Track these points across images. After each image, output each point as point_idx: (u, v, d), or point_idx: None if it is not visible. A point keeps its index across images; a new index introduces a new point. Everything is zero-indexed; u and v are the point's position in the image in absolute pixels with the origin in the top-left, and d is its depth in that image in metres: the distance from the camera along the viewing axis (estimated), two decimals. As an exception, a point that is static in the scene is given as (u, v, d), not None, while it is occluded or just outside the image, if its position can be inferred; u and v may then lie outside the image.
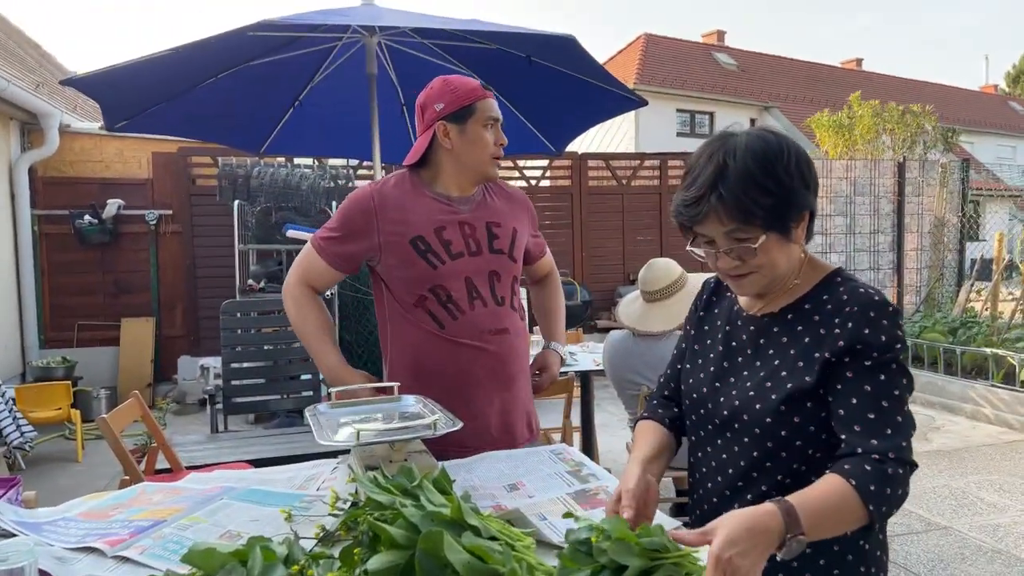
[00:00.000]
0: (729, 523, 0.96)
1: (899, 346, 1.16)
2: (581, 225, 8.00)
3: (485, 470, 1.49)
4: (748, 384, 1.25)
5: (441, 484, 1.09)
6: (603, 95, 3.57)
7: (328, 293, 6.07)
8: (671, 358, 1.50)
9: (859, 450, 1.10)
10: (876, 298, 1.18)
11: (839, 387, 1.16)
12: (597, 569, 0.93)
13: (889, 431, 1.10)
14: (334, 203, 6.44)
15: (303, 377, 4.44)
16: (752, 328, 1.29)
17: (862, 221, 8.31)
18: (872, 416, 1.12)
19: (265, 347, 4.47)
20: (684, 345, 1.46)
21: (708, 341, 1.37)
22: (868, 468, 1.07)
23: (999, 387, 5.46)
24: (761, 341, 1.27)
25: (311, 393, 4.31)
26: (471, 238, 1.86)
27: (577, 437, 3.79)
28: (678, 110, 20.81)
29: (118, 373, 6.91)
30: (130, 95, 3.27)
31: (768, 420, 1.20)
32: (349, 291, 6.24)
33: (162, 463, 3.01)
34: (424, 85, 1.89)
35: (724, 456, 1.27)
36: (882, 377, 1.14)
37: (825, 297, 1.22)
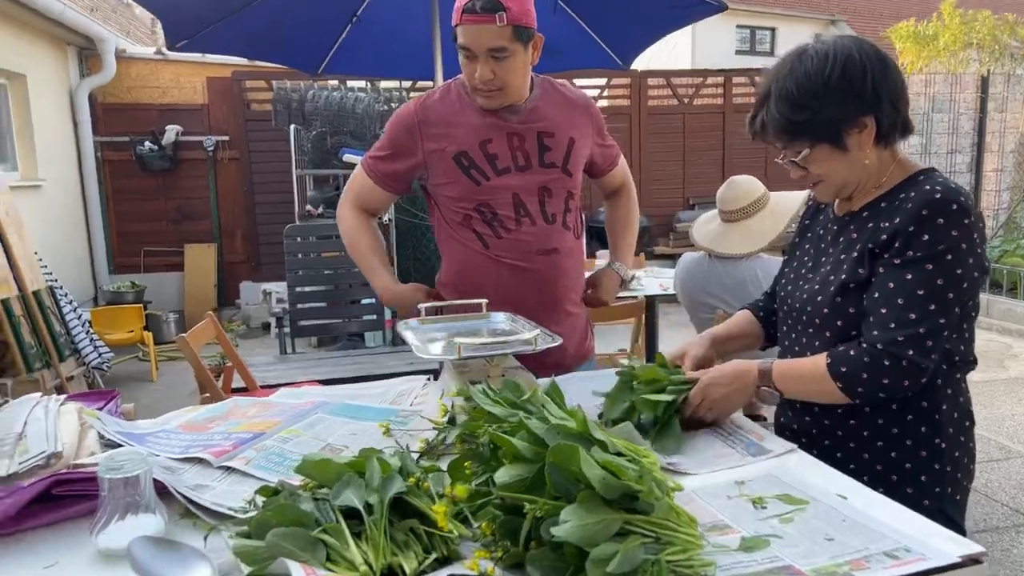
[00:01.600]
0: (718, 367, 1.28)
1: (944, 247, 1.14)
2: (640, 147, 7.73)
3: (576, 389, 1.44)
4: (818, 278, 1.31)
5: (553, 398, 1.04)
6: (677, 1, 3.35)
7: (386, 218, 6.05)
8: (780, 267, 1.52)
9: (861, 340, 1.19)
10: (938, 196, 1.16)
11: (872, 280, 1.21)
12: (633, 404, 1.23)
13: (892, 325, 1.15)
14: (389, 126, 6.35)
15: (363, 301, 4.47)
16: (835, 228, 1.34)
17: (939, 140, 7.84)
18: (884, 311, 1.17)
19: (326, 272, 4.49)
20: (787, 255, 1.50)
21: (806, 246, 1.43)
22: (851, 353, 1.18)
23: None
24: (840, 238, 1.31)
25: (375, 317, 4.34)
26: (519, 150, 1.75)
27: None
28: (737, 26, 19.76)
29: (183, 297, 7.10)
30: (190, 12, 3.19)
31: (826, 311, 1.26)
32: (405, 216, 6.21)
33: (236, 382, 3.08)
34: None
35: (797, 348, 1.36)
36: (908, 276, 1.15)
37: (902, 195, 1.23)
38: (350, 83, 6.78)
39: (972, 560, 0.84)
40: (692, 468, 1.14)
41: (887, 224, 1.20)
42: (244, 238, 7.31)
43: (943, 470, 1.24)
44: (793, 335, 1.37)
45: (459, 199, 1.75)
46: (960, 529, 1.20)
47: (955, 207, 1.15)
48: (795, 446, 1.19)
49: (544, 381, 1.18)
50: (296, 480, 0.98)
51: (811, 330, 1.31)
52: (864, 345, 1.18)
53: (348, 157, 5.82)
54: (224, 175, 7.20)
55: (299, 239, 4.49)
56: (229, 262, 7.32)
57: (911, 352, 1.14)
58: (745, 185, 2.84)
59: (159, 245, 7.14)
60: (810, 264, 1.37)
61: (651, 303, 3.72)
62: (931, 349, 1.14)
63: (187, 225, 7.19)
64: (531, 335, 1.17)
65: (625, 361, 1.37)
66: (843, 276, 1.24)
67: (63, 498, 1.01)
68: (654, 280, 3.81)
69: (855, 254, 1.24)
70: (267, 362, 3.60)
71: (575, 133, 1.81)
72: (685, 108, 7.86)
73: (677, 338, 5.74)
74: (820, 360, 1.21)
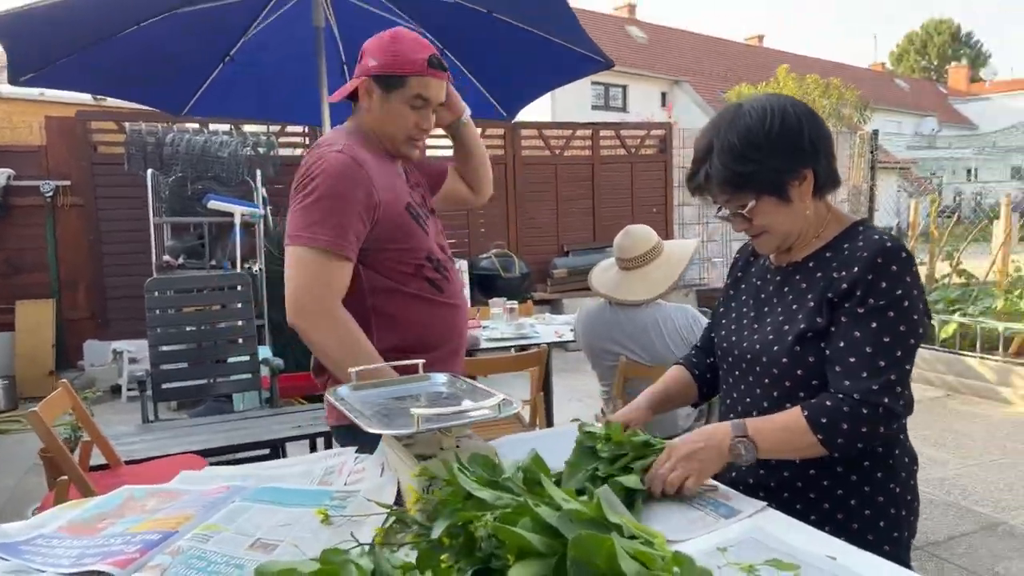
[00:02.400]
0: (695, 431, 1.23)
1: (900, 292, 1.17)
2: (516, 195, 7.86)
3: (522, 453, 1.34)
4: (769, 327, 1.32)
5: (534, 473, 0.94)
6: (566, 55, 3.42)
7: (255, 268, 5.70)
8: (711, 320, 1.54)
9: (832, 390, 1.19)
10: (888, 244, 1.20)
11: (833, 329, 1.22)
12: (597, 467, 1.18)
13: (864, 374, 1.16)
14: (258, 172, 6.03)
15: (231, 360, 4.13)
16: (778, 278, 1.36)
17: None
18: (852, 360, 1.18)
19: (188, 328, 4.12)
20: (721, 307, 1.51)
21: (743, 296, 1.44)
22: (828, 404, 1.18)
23: (921, 347, 5.75)
24: (785, 288, 1.34)
25: (248, 376, 4.01)
26: (426, 198, 1.81)
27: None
28: (592, 83, 20.91)
29: (14, 360, 6.27)
30: (41, 42, 2.86)
31: (784, 360, 1.26)
32: (278, 266, 5.88)
33: (95, 459, 2.69)
34: None
35: (748, 398, 1.35)
36: (873, 324, 1.18)
37: (846, 245, 1.27)
38: (212, 126, 6.40)
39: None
40: (668, 536, 1.07)
41: (843, 273, 1.22)
42: (88, 292, 6.62)
43: (898, 514, 1.26)
44: (742, 385, 1.36)
45: (414, 250, 1.65)
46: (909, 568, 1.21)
47: (904, 255, 1.20)
48: (765, 504, 1.15)
49: (507, 442, 1.08)
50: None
51: (766, 380, 1.30)
52: (840, 396, 1.17)
53: (215, 204, 5.45)
54: (65, 223, 6.52)
55: (161, 293, 4.09)
56: (70, 319, 6.58)
57: (887, 399, 1.15)
58: (641, 234, 2.91)
59: (-16, 302, 6.31)
60: (752, 315, 1.38)
61: (547, 352, 3.69)
62: (902, 394, 1.17)
63: (18, 279, 6.40)
64: (494, 402, 1.07)
65: (596, 423, 1.32)
66: (801, 325, 1.25)
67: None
68: (548, 327, 3.80)
69: (811, 304, 1.26)
70: (129, 432, 3.19)
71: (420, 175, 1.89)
72: (556, 159, 8.11)
73: (569, 384, 5.77)
74: (796, 413, 1.20)
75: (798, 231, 1.30)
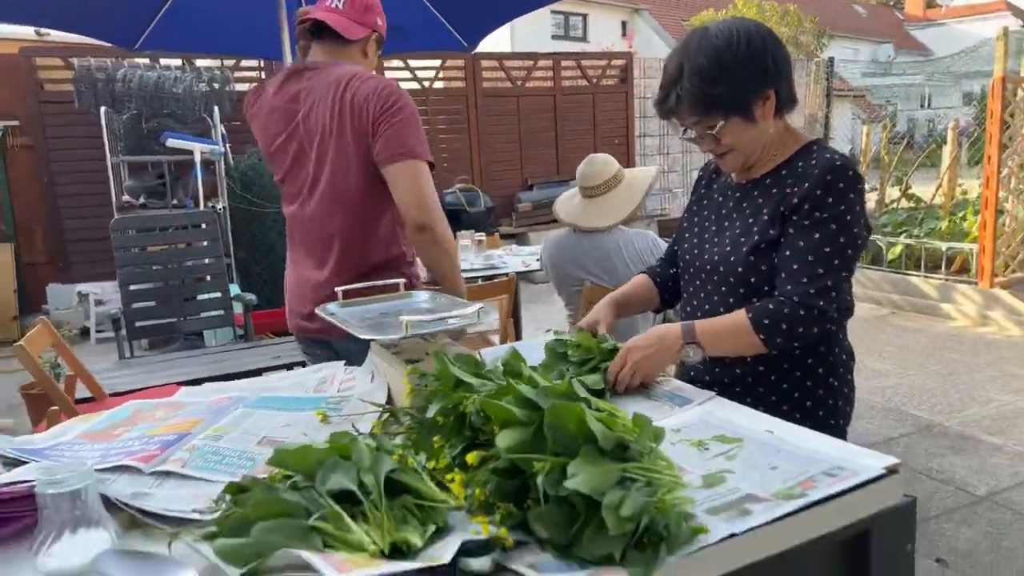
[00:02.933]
0: (641, 334, 1.29)
1: (843, 208, 1.28)
2: (478, 129, 7.83)
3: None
4: (728, 240, 1.42)
5: (513, 365, 1.06)
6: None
7: (219, 206, 5.66)
8: (675, 235, 1.63)
9: (775, 293, 1.31)
10: (838, 163, 1.30)
11: (782, 240, 1.33)
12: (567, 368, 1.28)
13: (804, 279, 1.28)
14: (215, 109, 5.91)
15: (200, 297, 4.17)
16: (737, 194, 1.45)
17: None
18: (795, 267, 1.30)
19: (154, 267, 4.14)
20: (684, 222, 1.61)
21: (704, 212, 1.54)
22: (770, 306, 1.29)
23: (868, 268, 6.03)
24: (744, 204, 1.43)
25: (221, 312, 4.07)
26: None
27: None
28: (552, 12, 20.49)
29: (-25, 306, 6.20)
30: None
31: (740, 269, 1.37)
32: (241, 203, 5.85)
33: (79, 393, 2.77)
34: None
35: (707, 305, 1.46)
36: (816, 235, 1.29)
37: (800, 164, 1.36)
38: (164, 61, 6.22)
39: (891, 471, 0.99)
40: (630, 422, 1.22)
41: (795, 189, 1.32)
42: (47, 235, 6.51)
43: (835, 404, 1.42)
44: (702, 294, 1.48)
45: None
46: None
47: (851, 173, 1.30)
48: (713, 393, 1.30)
49: (484, 353, 1.20)
50: (261, 472, 0.93)
51: (723, 288, 1.42)
52: (782, 299, 1.29)
53: (173, 142, 5.37)
54: (15, 165, 6.35)
55: (126, 233, 4.08)
56: (28, 263, 6.49)
57: (822, 302, 1.27)
58: (602, 162, 3.01)
59: (-63, 248, 6.17)
60: (713, 229, 1.49)
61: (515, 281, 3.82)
62: (836, 299, 1.29)
63: (-28, 223, 6.27)
64: (473, 309, 1.18)
65: (550, 335, 1.43)
66: (755, 237, 1.36)
67: (-17, 525, 0.88)
68: (515, 258, 3.91)
69: (765, 217, 1.36)
70: (108, 368, 3.26)
71: None
72: (519, 91, 8.06)
73: (536, 315, 5.93)
74: (740, 315, 1.31)
75: (760, 149, 1.38)
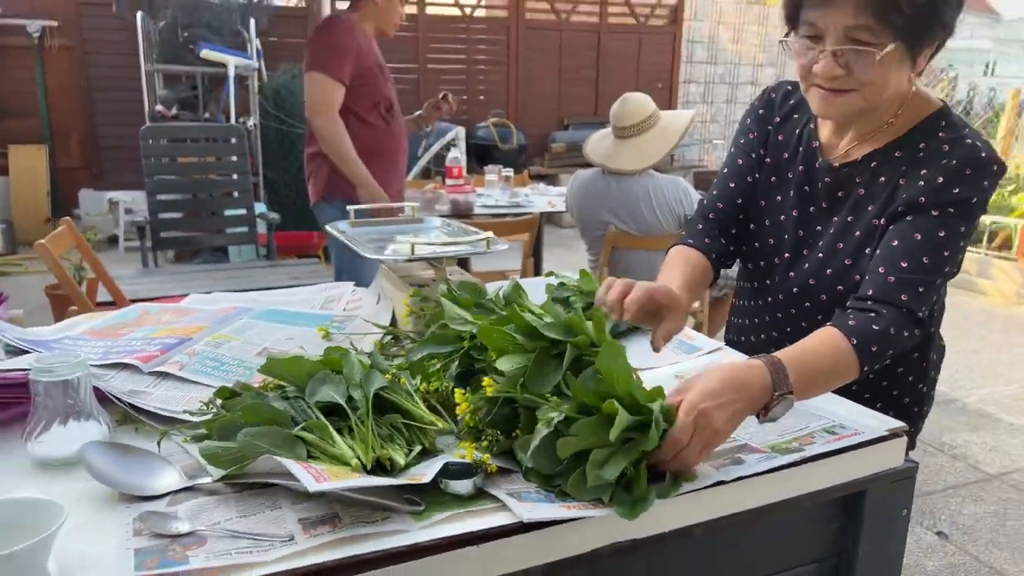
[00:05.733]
0: (709, 375, 0.83)
1: (977, 202, 1.02)
2: (518, 62, 7.64)
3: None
4: (821, 252, 1.14)
5: (514, 297, 1.04)
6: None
7: (250, 123, 5.63)
8: (722, 174, 1.29)
9: (870, 292, 1.01)
10: (983, 154, 1.03)
11: (892, 227, 1.05)
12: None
13: (914, 283, 1.00)
14: (252, 22, 5.82)
15: (227, 213, 4.19)
16: (828, 180, 1.14)
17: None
18: (905, 264, 1.01)
19: (183, 180, 4.15)
20: (748, 163, 1.24)
21: (785, 187, 1.20)
22: (874, 327, 0.97)
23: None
24: (839, 194, 1.14)
25: (245, 229, 4.08)
26: (387, 70, 2.78)
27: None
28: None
29: (10, 206, 6.31)
30: None
31: (840, 288, 1.10)
32: (274, 123, 5.81)
33: (100, 296, 2.81)
34: None
35: (789, 329, 1.17)
36: (941, 233, 1.01)
37: (922, 144, 1.07)
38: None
39: (894, 434, 0.96)
40: (634, 363, 1.18)
41: (919, 181, 1.04)
42: (81, 141, 6.55)
43: (919, 411, 1.22)
44: (783, 313, 1.20)
45: (375, 94, 2.71)
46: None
47: (996, 167, 1.03)
48: (722, 344, 1.27)
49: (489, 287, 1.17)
50: (254, 380, 0.93)
51: (807, 304, 1.16)
52: (883, 310, 0.99)
53: (207, 53, 5.31)
54: (54, 68, 6.34)
55: (156, 142, 4.08)
56: (63, 167, 6.55)
57: (924, 309, 1.01)
58: (638, 101, 2.91)
59: (-25, 144, 6.25)
60: (801, 234, 1.17)
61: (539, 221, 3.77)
62: (932, 305, 1.05)
63: (10, 123, 6.31)
64: (483, 236, 1.16)
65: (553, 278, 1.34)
66: (856, 242, 1.10)
67: (-22, 407, 0.89)
68: (542, 197, 3.85)
69: (870, 214, 1.09)
70: (130, 275, 3.30)
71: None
72: (563, 24, 7.80)
73: (560, 259, 5.89)
74: (840, 348, 0.95)
75: (884, 104, 1.07)
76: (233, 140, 4.09)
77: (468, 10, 7.44)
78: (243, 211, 4.08)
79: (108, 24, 6.06)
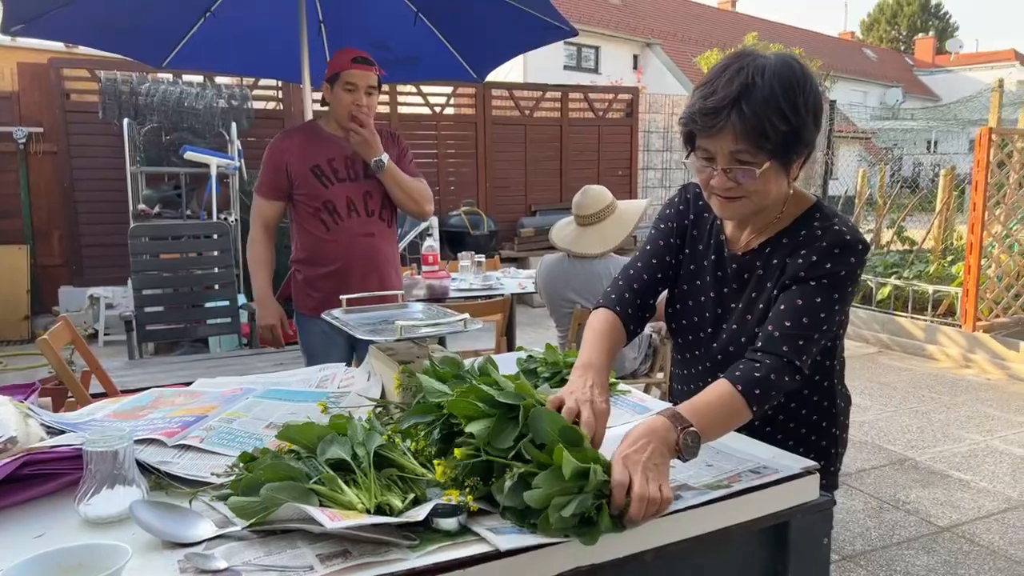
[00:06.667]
0: (628, 433, 1.06)
1: (846, 276, 1.23)
2: (486, 155, 8.07)
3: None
4: (735, 324, 1.34)
5: (486, 368, 1.23)
6: (533, 23, 3.64)
7: (231, 219, 5.86)
8: (644, 250, 1.47)
9: (757, 345, 1.21)
10: (847, 237, 1.24)
11: (778, 294, 1.25)
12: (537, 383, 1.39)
13: (794, 337, 1.19)
14: (232, 124, 6.15)
15: (208, 305, 4.35)
16: (735, 266, 1.36)
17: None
18: (788, 323, 1.20)
19: (165, 274, 4.33)
20: (679, 278, 1.44)
21: (700, 278, 1.40)
22: (756, 374, 1.16)
23: (858, 307, 6.18)
24: (745, 276, 1.34)
25: (228, 320, 4.24)
26: (351, 168, 2.60)
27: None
28: (565, 44, 20.90)
29: (-11, 304, 6.38)
30: (34, -5, 3.00)
31: (748, 344, 1.26)
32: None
33: (92, 388, 2.93)
34: None
35: (709, 378, 1.30)
36: (817, 299, 1.21)
37: (802, 232, 1.28)
38: (186, 77, 6.48)
39: (807, 471, 1.15)
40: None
41: (799, 260, 1.25)
42: (63, 239, 6.71)
43: (834, 452, 1.42)
44: (710, 377, 1.30)
45: (312, 197, 2.58)
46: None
47: (860, 247, 1.25)
48: (671, 405, 1.45)
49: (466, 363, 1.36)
50: (271, 445, 1.09)
51: (727, 364, 1.28)
52: (766, 360, 1.18)
53: (191, 155, 5.58)
54: (38, 170, 6.57)
55: (144, 239, 4.27)
56: (44, 265, 6.68)
57: (804, 358, 1.20)
58: (597, 193, 3.20)
59: (-42, 246, 6.37)
60: (719, 311, 1.37)
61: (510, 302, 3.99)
62: (811, 359, 1.23)
63: (-8, 224, 6.47)
64: (460, 318, 1.35)
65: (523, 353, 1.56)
66: (760, 314, 1.30)
67: (34, 477, 1.05)
68: (512, 280, 4.08)
69: (769, 292, 1.29)
70: (118, 367, 3.43)
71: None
72: (526, 120, 8.31)
73: (531, 337, 6.09)
74: (729, 393, 1.15)
75: (769, 206, 1.27)
76: (216, 236, 4.30)
77: (438, 108, 7.91)
78: (226, 303, 4.25)
79: (93, 129, 6.34)
